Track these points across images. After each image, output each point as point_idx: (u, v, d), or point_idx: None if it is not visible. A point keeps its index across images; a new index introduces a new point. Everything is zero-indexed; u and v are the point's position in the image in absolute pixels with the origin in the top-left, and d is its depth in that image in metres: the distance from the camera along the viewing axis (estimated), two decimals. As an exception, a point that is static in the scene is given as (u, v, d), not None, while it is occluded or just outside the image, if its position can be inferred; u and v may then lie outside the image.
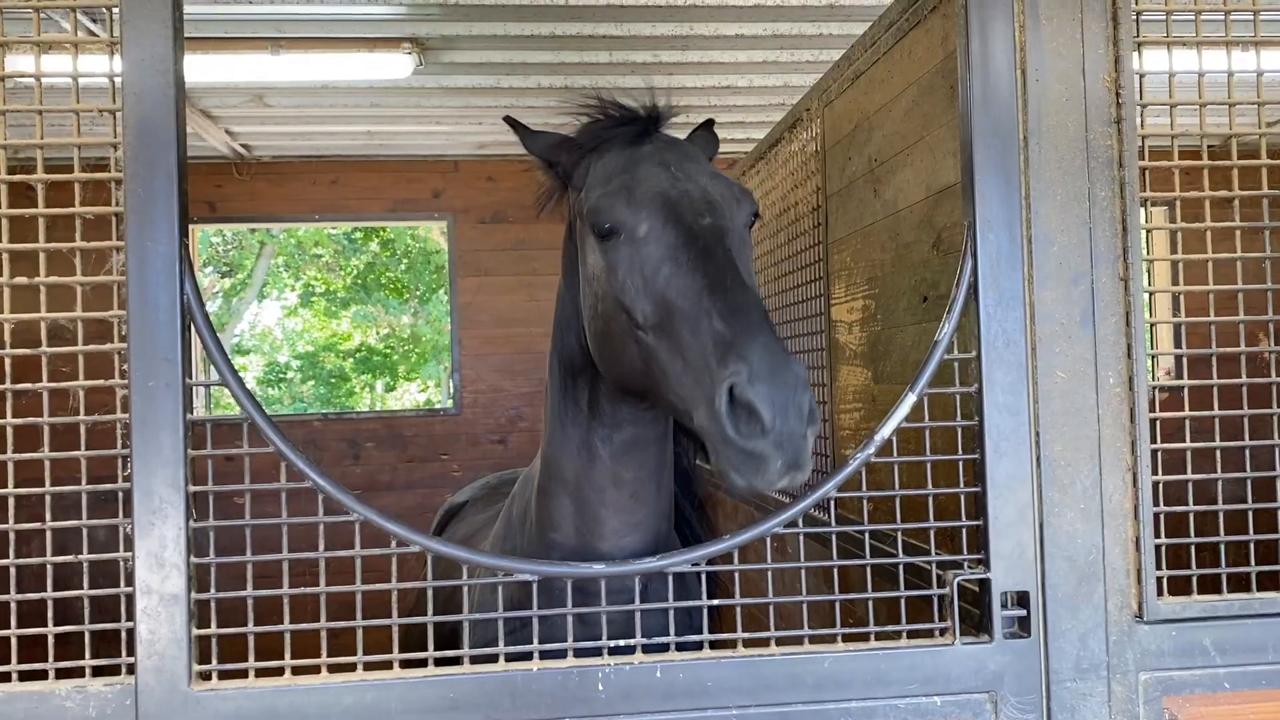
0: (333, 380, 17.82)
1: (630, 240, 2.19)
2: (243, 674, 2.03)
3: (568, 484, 2.50)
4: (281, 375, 18.07)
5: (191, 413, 2.05)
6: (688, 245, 2.12)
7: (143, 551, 1.99)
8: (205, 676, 2.02)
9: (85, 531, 2.03)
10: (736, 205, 2.33)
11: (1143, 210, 2.26)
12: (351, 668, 2.05)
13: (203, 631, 2.02)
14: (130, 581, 2.00)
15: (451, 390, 7.03)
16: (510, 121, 2.65)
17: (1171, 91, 2.27)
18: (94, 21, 2.04)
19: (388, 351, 17.82)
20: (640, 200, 2.21)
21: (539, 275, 7.00)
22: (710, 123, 2.96)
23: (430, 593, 2.10)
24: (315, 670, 2.03)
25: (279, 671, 2.04)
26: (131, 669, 1.99)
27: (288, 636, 2.05)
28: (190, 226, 6.35)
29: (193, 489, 2.03)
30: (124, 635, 2.01)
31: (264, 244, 16.92)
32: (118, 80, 2.03)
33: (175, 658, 1.99)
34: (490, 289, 6.96)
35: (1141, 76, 2.25)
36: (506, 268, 6.97)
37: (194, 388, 2.08)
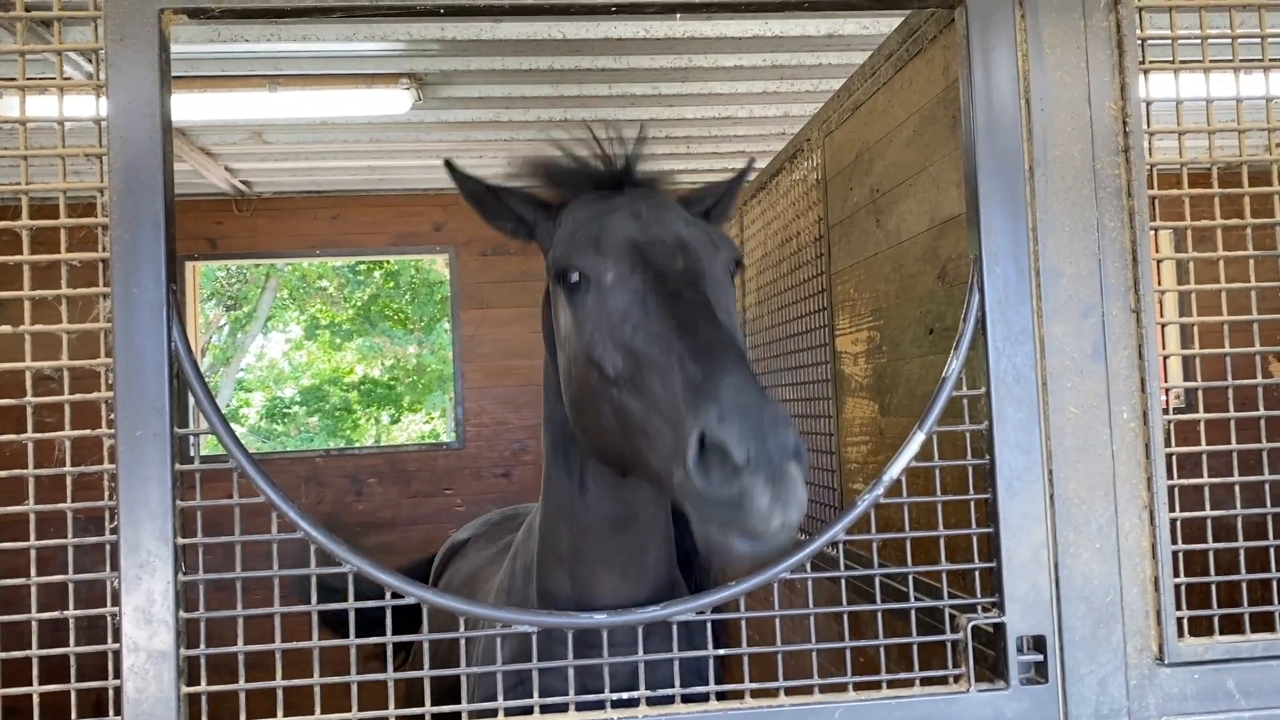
0: (337, 414, 17.77)
1: (597, 289, 2.07)
2: (234, 733, 1.97)
3: (563, 559, 2.42)
4: (286, 410, 18.03)
5: (180, 463, 1.99)
6: (656, 289, 2.00)
7: (130, 607, 1.93)
8: (195, 736, 1.96)
9: (71, 586, 1.97)
10: (714, 250, 2.19)
11: (1152, 239, 2.21)
12: (346, 725, 1.98)
13: (192, 689, 1.96)
14: (117, 638, 1.94)
15: (455, 422, 6.97)
16: (450, 165, 2.53)
17: (1179, 118, 2.23)
18: (89, 61, 2.00)
19: (392, 384, 17.79)
20: (607, 247, 2.10)
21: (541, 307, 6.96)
22: (745, 171, 2.88)
23: (426, 645, 2.03)
24: (308, 728, 1.97)
25: (270, 728, 1.97)
26: (119, 729, 1.93)
27: (280, 693, 1.99)
28: (190, 263, 6.33)
29: (181, 541, 1.97)
30: (111, 694, 1.94)
31: (268, 277, 16.93)
32: (103, 123, 1.99)
33: (164, 717, 1.92)
34: (493, 321, 6.92)
35: (1149, 104, 2.20)
36: (509, 300, 6.93)
37: (183, 437, 2.02)
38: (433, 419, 17.64)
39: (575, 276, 2.09)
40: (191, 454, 6.54)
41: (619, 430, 2.05)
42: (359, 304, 17.36)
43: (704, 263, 2.12)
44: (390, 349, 17.62)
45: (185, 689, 1.95)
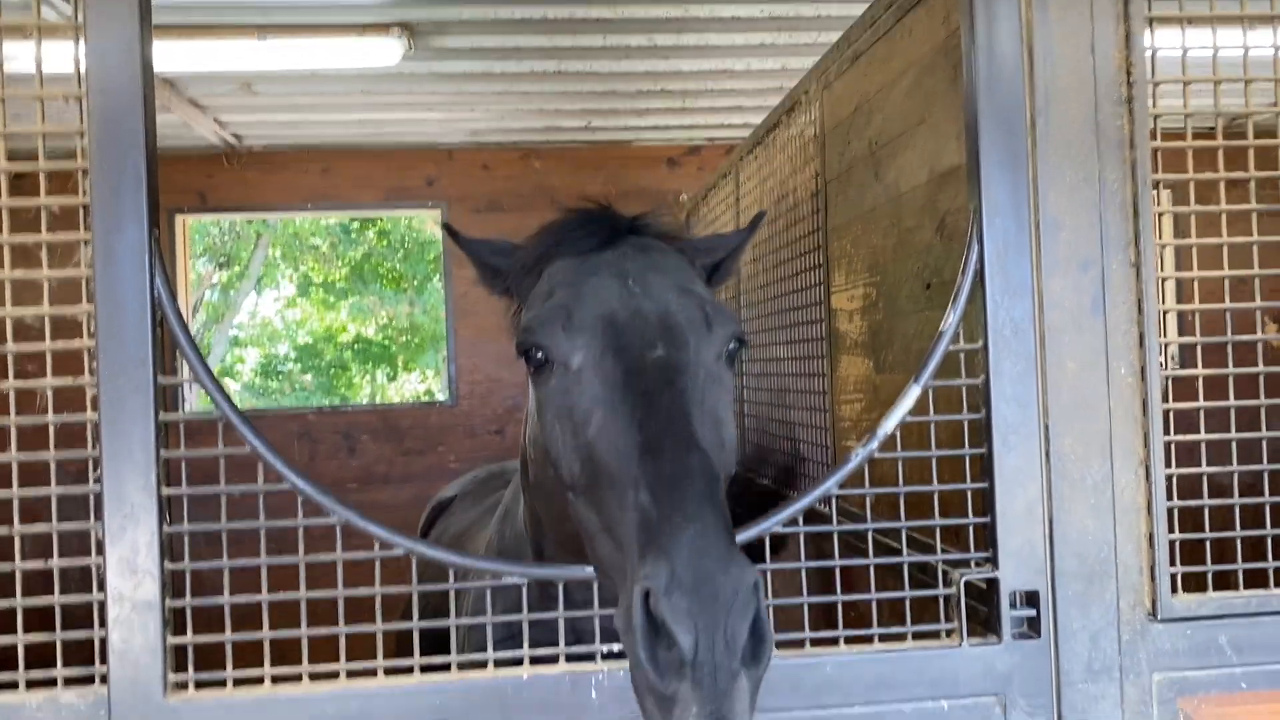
0: (332, 371, 17.73)
1: (563, 373, 1.79)
2: (220, 684, 1.95)
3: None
4: (281, 367, 17.98)
5: (165, 412, 1.96)
6: (627, 385, 1.69)
7: (114, 557, 1.91)
8: (181, 686, 1.94)
9: (56, 536, 1.95)
10: (706, 331, 1.84)
11: (1154, 193, 2.17)
12: (334, 676, 1.96)
13: (178, 640, 1.94)
14: (102, 588, 1.92)
15: (448, 379, 6.94)
16: (447, 229, 2.31)
17: (1184, 69, 2.18)
18: (67, 2, 1.94)
19: (386, 343, 17.73)
20: (579, 323, 1.79)
21: (535, 264, 6.90)
22: (756, 223, 2.48)
23: (415, 597, 2.02)
24: (296, 679, 1.95)
25: (259, 680, 1.96)
26: (104, 679, 1.91)
27: (267, 644, 1.97)
28: (180, 217, 6.26)
29: (167, 492, 1.94)
30: (97, 644, 1.93)
31: (260, 234, 16.80)
32: (82, 65, 1.93)
33: (149, 667, 1.91)
34: (486, 279, 6.87)
35: (1154, 54, 2.15)
36: (502, 257, 6.88)
37: (170, 387, 1.99)
38: (427, 378, 17.61)
39: (539, 354, 1.81)
40: (186, 406, 6.51)
41: (574, 529, 1.85)
42: (352, 262, 17.26)
43: (690, 351, 1.79)
44: (382, 309, 17.54)
45: (171, 639, 1.93)
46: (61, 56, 1.95)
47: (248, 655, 1.98)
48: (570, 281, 1.89)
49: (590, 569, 2.02)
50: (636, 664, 1.45)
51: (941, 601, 2.11)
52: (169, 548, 1.95)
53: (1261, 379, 2.22)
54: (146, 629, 1.91)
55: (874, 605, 2.09)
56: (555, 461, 1.78)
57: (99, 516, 1.92)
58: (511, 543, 2.42)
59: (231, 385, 17.27)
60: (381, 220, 16.67)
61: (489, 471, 2.89)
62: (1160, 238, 2.18)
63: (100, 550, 1.92)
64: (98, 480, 1.92)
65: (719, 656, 1.38)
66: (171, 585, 1.95)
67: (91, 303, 1.93)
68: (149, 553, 1.91)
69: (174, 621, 1.95)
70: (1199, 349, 2.21)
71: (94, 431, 1.93)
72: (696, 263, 2.19)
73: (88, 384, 1.95)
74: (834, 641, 2.06)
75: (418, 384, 17.86)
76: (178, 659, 1.95)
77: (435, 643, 2.11)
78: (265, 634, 1.97)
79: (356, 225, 16.83)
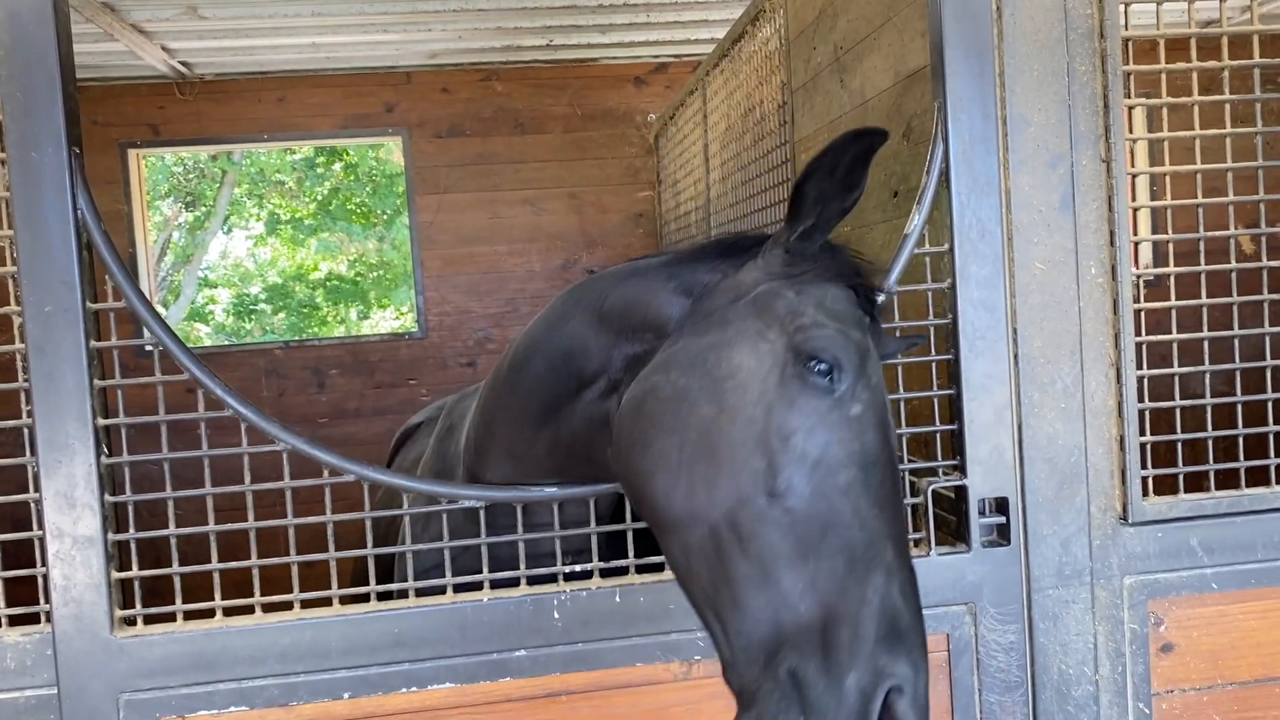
0: (304, 310, 17.52)
1: (835, 403, 1.54)
2: (170, 618, 1.90)
3: (513, 455, 2.04)
4: (252, 307, 17.75)
5: (98, 340, 1.87)
6: (885, 473, 1.54)
7: (50, 492, 1.83)
8: (129, 622, 1.89)
9: (-11, 472, 1.87)
10: None
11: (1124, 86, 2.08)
12: (288, 606, 1.91)
13: (123, 575, 1.88)
14: (41, 524, 1.85)
15: (417, 311, 6.83)
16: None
17: (1157, -49, 2.08)
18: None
19: (357, 279, 17.51)
20: (867, 380, 1.58)
21: (500, 191, 6.74)
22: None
23: (369, 524, 1.96)
24: (249, 611, 1.90)
25: (209, 613, 1.90)
26: (49, 617, 1.85)
27: (217, 576, 1.92)
28: (133, 151, 6.05)
29: (102, 422, 1.86)
30: (40, 581, 1.86)
31: (225, 172, 16.45)
32: (-16, -31, 1.81)
33: (94, 603, 1.85)
34: (450, 207, 6.70)
35: (1124, -64, 2.05)
36: (466, 184, 6.71)
37: (100, 313, 1.89)
38: (402, 314, 17.43)
39: (829, 368, 1.54)
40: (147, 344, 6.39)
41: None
42: (319, 198, 16.95)
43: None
44: (350, 246, 17.28)
45: (116, 574, 1.86)
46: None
47: (205, 589, 1.93)
48: (853, 322, 1.64)
49: (550, 489, 1.96)
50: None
51: (909, 511, 2.06)
52: (110, 480, 1.88)
53: (1234, 277, 2.16)
54: (89, 564, 1.84)
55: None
56: (786, 482, 1.49)
57: (33, 451, 1.84)
58: (451, 460, 2.33)
59: (203, 328, 17.07)
60: (347, 153, 16.35)
61: (458, 397, 2.81)
62: (1132, 133, 2.11)
63: (37, 485, 1.84)
64: (29, 413, 1.84)
65: None
66: (115, 519, 1.89)
67: (11, 227, 1.82)
68: (87, 486, 1.84)
69: (119, 556, 1.89)
70: (1170, 247, 2.15)
71: (22, 361, 1.84)
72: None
73: (13, 312, 1.85)
74: (801, 555, 2.02)
75: (393, 320, 17.70)
76: (124, 594, 1.89)
77: (386, 569, 2.05)
78: (214, 566, 1.91)
79: (322, 159, 16.50)
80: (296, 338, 15.81)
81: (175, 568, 1.91)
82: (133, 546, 1.89)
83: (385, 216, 16.77)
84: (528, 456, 1.99)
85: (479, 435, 2.11)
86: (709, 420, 1.55)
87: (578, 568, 1.95)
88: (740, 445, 1.51)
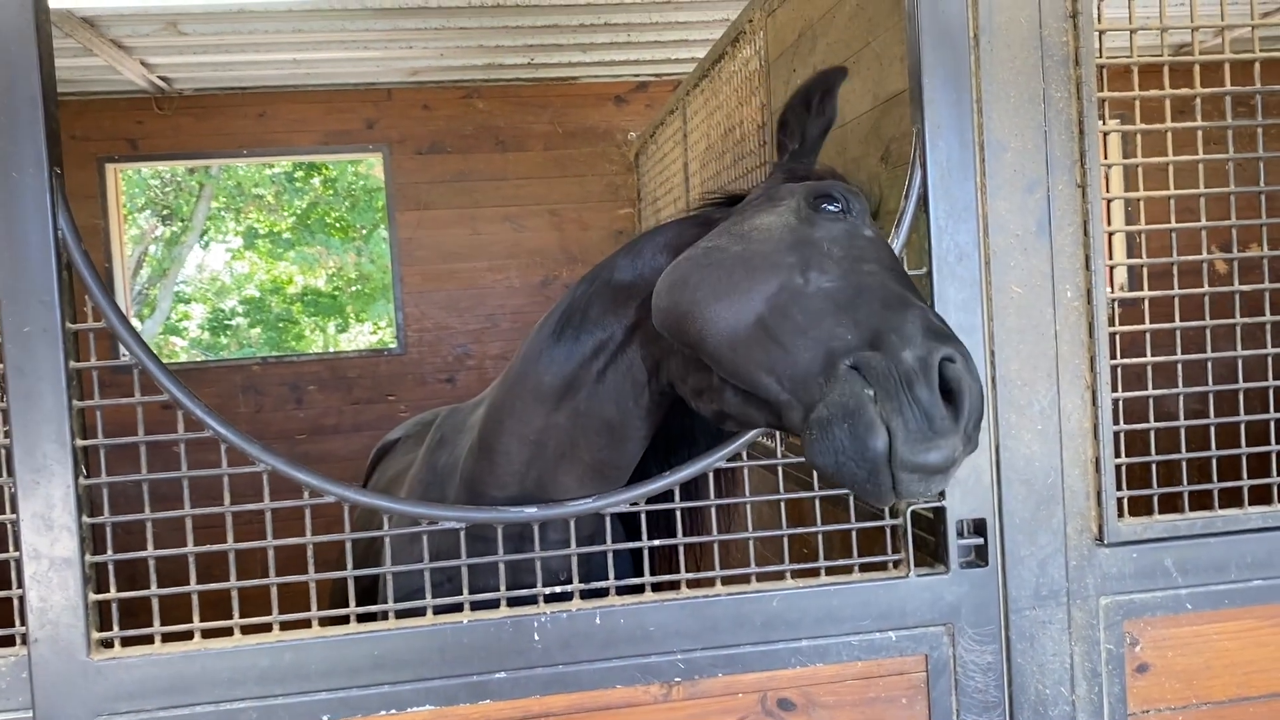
0: (281, 324, 17.42)
1: (853, 227, 1.81)
2: (148, 640, 1.88)
3: (516, 453, 2.13)
4: (228, 322, 17.63)
5: (76, 361, 1.86)
6: (899, 274, 1.75)
7: (28, 513, 1.82)
8: (107, 644, 1.87)
9: (-33, 494, 1.85)
10: None
11: (1100, 112, 2.12)
12: (267, 628, 1.90)
13: (101, 596, 1.87)
14: (18, 545, 1.83)
15: (396, 327, 6.82)
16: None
17: (1130, -19, 2.12)
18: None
19: (335, 293, 17.43)
20: (873, 225, 1.89)
21: (481, 207, 6.75)
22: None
23: (349, 545, 1.95)
24: (228, 633, 1.89)
25: (188, 636, 1.89)
26: (25, 639, 1.83)
27: (195, 598, 1.90)
28: (111, 166, 6.02)
29: (81, 443, 1.85)
30: (16, 603, 1.85)
31: (203, 185, 16.36)
32: (-34, -12, 1.80)
33: (71, 626, 1.83)
34: (431, 223, 6.70)
35: (1098, -35, 2.09)
36: (447, 200, 6.71)
37: (79, 333, 1.88)
38: (380, 328, 17.36)
39: (841, 208, 1.82)
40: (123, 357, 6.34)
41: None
42: (298, 212, 16.89)
43: None
44: (328, 259, 17.21)
45: (93, 596, 1.85)
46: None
47: (186, 611, 1.92)
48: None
49: (529, 510, 1.97)
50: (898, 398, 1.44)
51: (889, 532, 2.08)
52: (88, 501, 1.87)
53: (1207, 300, 2.20)
54: (66, 586, 1.83)
55: (820, 539, 2.06)
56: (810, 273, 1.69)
57: (10, 472, 1.83)
58: (443, 472, 2.34)
59: (178, 342, 16.94)
60: (327, 168, 16.31)
61: (435, 413, 2.80)
62: (1107, 158, 2.14)
63: (14, 506, 1.83)
64: (6, 433, 1.83)
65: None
66: (93, 540, 1.87)
67: (-10, 246, 1.81)
68: (65, 507, 1.83)
69: (96, 578, 1.88)
70: (1144, 271, 2.18)
71: (1, 382, 1.83)
72: None
73: (-9, 332, 1.84)
74: (781, 576, 2.04)
75: (370, 335, 17.62)
76: (102, 616, 1.88)
77: (366, 591, 2.04)
78: (193, 588, 1.90)
79: (301, 173, 16.45)
80: (274, 353, 15.73)
81: (154, 589, 1.89)
82: (110, 568, 1.87)
83: (365, 231, 16.72)
84: (544, 438, 2.09)
85: (487, 430, 2.16)
86: (741, 254, 1.76)
87: (585, 586, 1.96)
88: (774, 253, 1.72)
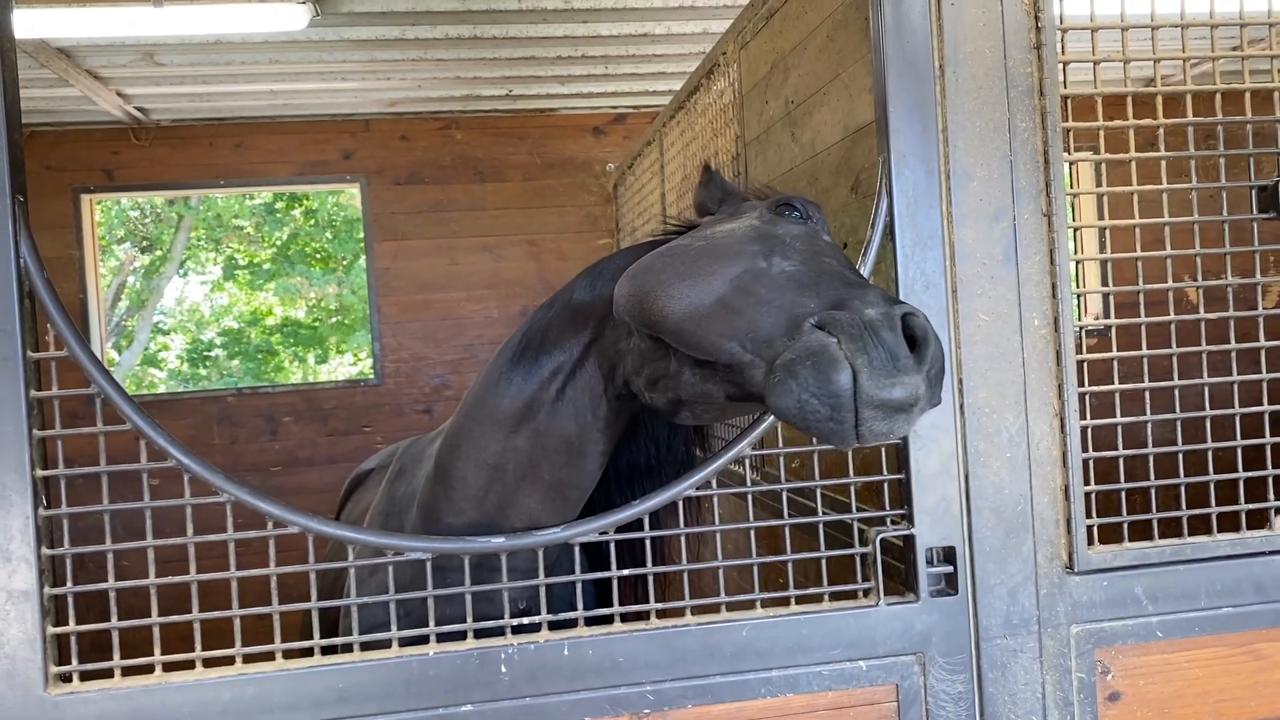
0: (260, 355, 17.32)
1: (813, 230, 1.90)
2: (108, 674, 1.85)
3: (472, 480, 2.15)
4: (207, 353, 17.52)
5: (37, 390, 1.84)
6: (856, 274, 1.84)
7: (-15, 545, 1.79)
8: (65, 679, 1.84)
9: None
10: None
11: (1065, 141, 2.14)
12: (230, 661, 1.87)
13: (59, 630, 1.83)
14: (-25, 578, 1.80)
15: (373, 358, 6.79)
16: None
17: (1093, 14, 2.15)
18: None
19: (315, 324, 17.37)
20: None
21: (458, 238, 6.76)
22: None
23: (313, 576, 1.93)
24: (189, 666, 1.86)
25: (149, 669, 1.86)
26: (-20, 674, 1.80)
27: (156, 630, 1.87)
28: (87, 196, 6.00)
29: (41, 473, 1.83)
30: (-29, 638, 1.81)
31: (182, 216, 16.31)
32: (-69, 17, 1.80)
33: (28, 660, 1.80)
34: (408, 254, 6.70)
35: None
36: (424, 231, 6.71)
37: (42, 361, 1.86)
38: (360, 359, 17.29)
39: (799, 214, 1.92)
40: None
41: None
42: (278, 243, 16.85)
43: None
44: (309, 290, 17.16)
45: (52, 629, 1.82)
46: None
47: (146, 645, 1.88)
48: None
49: (497, 540, 1.95)
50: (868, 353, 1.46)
51: (858, 561, 2.07)
52: (48, 533, 1.84)
53: (1173, 328, 2.21)
54: (24, 619, 1.80)
55: (790, 567, 2.05)
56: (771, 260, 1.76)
57: (-32, 502, 1.80)
58: (401, 502, 2.34)
59: (157, 374, 16.81)
60: (308, 198, 16.30)
61: (410, 442, 2.78)
62: (1076, 188, 2.16)
63: (-29, 538, 1.80)
64: (-35, 463, 1.80)
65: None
66: (52, 572, 1.84)
67: (-49, 274, 1.80)
68: (23, 539, 1.80)
69: (55, 611, 1.84)
70: (1111, 299, 2.19)
71: (-40, 412, 1.80)
72: None
73: (-49, 361, 1.82)
74: (751, 605, 2.02)
75: (350, 367, 17.54)
76: (60, 650, 1.85)
77: (332, 622, 2.02)
78: (154, 620, 1.87)
79: (282, 204, 16.43)
80: (251, 384, 15.63)
81: (114, 622, 1.86)
82: (69, 600, 1.84)
83: (345, 262, 16.69)
84: (502, 461, 2.12)
85: (444, 457, 2.16)
86: (705, 246, 1.83)
87: (553, 617, 1.94)
88: (738, 244, 1.79)
